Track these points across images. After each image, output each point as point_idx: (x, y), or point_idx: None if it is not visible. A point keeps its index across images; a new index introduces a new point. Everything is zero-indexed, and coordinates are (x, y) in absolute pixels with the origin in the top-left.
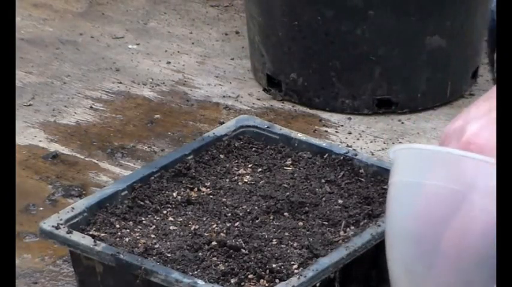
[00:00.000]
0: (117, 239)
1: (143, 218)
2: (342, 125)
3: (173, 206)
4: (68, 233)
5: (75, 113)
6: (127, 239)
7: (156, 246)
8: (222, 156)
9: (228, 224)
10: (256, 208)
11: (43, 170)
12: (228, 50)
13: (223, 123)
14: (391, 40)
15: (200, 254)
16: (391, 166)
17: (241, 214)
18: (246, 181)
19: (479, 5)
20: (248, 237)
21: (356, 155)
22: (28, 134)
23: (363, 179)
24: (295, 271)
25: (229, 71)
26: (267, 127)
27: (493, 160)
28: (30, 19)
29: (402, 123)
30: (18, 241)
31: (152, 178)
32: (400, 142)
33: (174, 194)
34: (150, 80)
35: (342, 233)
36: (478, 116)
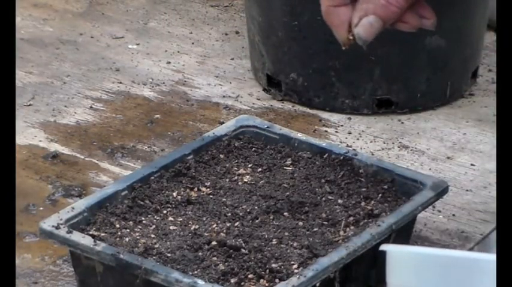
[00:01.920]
0: (117, 239)
1: (143, 218)
2: (341, 125)
3: (173, 206)
4: (68, 233)
5: (75, 113)
6: (127, 239)
7: (156, 246)
8: (222, 156)
9: (228, 224)
10: (256, 207)
11: (43, 170)
12: (228, 50)
13: (223, 123)
14: (391, 40)
15: (200, 254)
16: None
17: (241, 214)
18: (246, 180)
19: (479, 5)
20: (248, 237)
21: (356, 155)
22: (28, 134)
23: (362, 179)
24: (295, 270)
25: (229, 71)
26: (267, 127)
27: (492, 257)
28: (30, 19)
29: (402, 123)
30: (18, 241)
31: (152, 177)
32: (400, 142)
33: (174, 194)
34: (150, 80)
35: (341, 233)
36: None
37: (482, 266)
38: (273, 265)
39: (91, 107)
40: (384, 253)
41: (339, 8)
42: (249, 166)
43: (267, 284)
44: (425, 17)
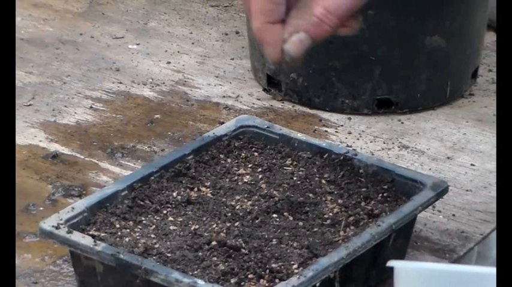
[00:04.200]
0: (117, 239)
1: (143, 218)
2: (342, 125)
3: (173, 206)
4: (68, 233)
5: (75, 113)
6: (127, 239)
7: (156, 246)
8: (222, 156)
9: (228, 224)
10: (256, 207)
11: (43, 170)
12: (228, 50)
13: (223, 123)
14: (391, 40)
15: (200, 254)
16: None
17: (241, 214)
18: (246, 180)
19: (479, 5)
20: (248, 237)
21: (356, 155)
22: (28, 134)
23: (362, 179)
24: (295, 270)
25: (229, 71)
26: (267, 127)
27: (493, 270)
28: (30, 19)
29: (402, 123)
30: (18, 241)
31: (152, 177)
32: (400, 142)
33: (174, 194)
34: (150, 80)
35: (342, 233)
36: None
37: (492, 282)
38: (273, 265)
39: (91, 107)
40: (391, 269)
41: (274, 25)
42: (249, 166)
43: (267, 284)
44: (347, 26)
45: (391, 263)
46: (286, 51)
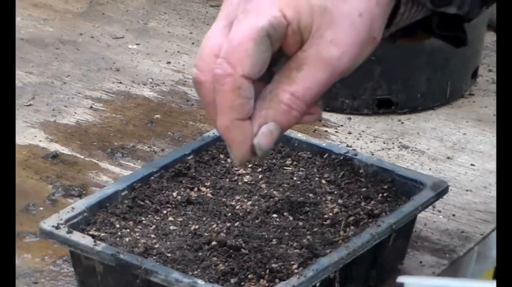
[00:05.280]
0: (117, 239)
1: (143, 218)
2: (341, 125)
3: (173, 206)
4: (68, 233)
5: (75, 113)
6: (127, 239)
7: (156, 246)
8: (222, 156)
9: (228, 224)
10: (256, 207)
11: (43, 170)
12: None
13: None
14: None
15: (200, 254)
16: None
17: (241, 214)
18: (246, 180)
19: None
20: (248, 237)
21: (356, 155)
22: (28, 134)
23: (362, 179)
24: (295, 270)
25: None
26: None
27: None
28: (30, 19)
29: (402, 123)
30: (18, 241)
31: (152, 177)
32: (400, 142)
33: (174, 194)
34: (150, 80)
35: (342, 233)
36: None
37: None
38: (273, 265)
39: (91, 107)
40: (401, 285)
41: (245, 122)
42: (249, 166)
43: (267, 284)
44: (311, 113)
45: (401, 279)
46: (258, 145)
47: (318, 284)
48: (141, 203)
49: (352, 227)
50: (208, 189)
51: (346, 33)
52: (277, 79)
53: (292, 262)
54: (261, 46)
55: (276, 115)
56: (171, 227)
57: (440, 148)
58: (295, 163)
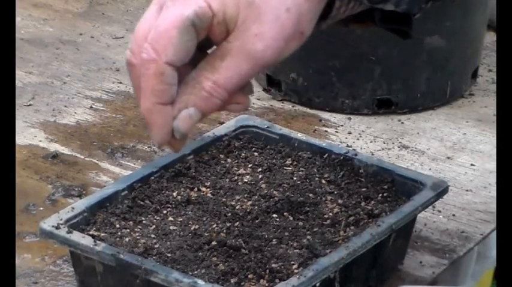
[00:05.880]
0: (117, 239)
1: (143, 218)
2: (342, 125)
3: (173, 206)
4: (68, 233)
5: (75, 113)
6: (127, 239)
7: (156, 246)
8: (222, 156)
9: (228, 224)
10: (256, 207)
11: (43, 170)
12: None
13: (223, 123)
14: (391, 40)
15: (200, 254)
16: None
17: (241, 214)
18: (246, 180)
19: (479, 5)
20: (248, 237)
21: (356, 155)
22: (28, 134)
23: (362, 179)
24: (295, 270)
25: None
26: (267, 127)
27: None
28: (30, 19)
29: (402, 123)
30: (18, 241)
31: (152, 178)
32: (400, 142)
33: (174, 194)
34: None
35: (342, 233)
36: None
37: None
38: (273, 265)
39: (91, 107)
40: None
41: (166, 106)
42: (249, 166)
43: (267, 284)
44: (238, 103)
45: None
46: (176, 127)
47: (318, 284)
48: (141, 203)
49: (352, 227)
50: (208, 189)
51: (272, 27)
52: (202, 66)
53: (292, 262)
54: (185, 35)
55: (196, 101)
56: (171, 227)
57: (440, 148)
58: (295, 163)
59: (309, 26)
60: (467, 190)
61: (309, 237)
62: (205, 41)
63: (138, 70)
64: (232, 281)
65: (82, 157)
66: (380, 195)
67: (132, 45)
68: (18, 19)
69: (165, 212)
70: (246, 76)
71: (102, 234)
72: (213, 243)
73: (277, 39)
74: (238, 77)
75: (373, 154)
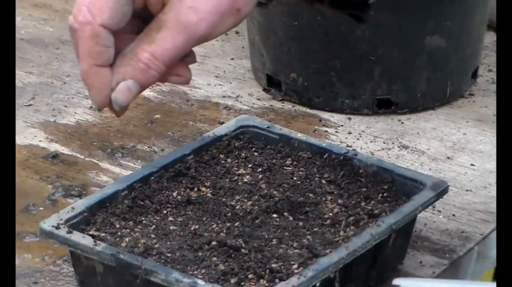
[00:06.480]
0: (117, 239)
1: (143, 218)
2: (342, 125)
3: (173, 206)
4: (68, 233)
5: (75, 113)
6: (127, 239)
7: (156, 246)
8: (222, 156)
9: (228, 224)
10: (256, 207)
11: (43, 170)
12: (228, 50)
13: (223, 123)
14: (391, 40)
15: (200, 254)
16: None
17: (241, 214)
18: (246, 180)
19: (479, 5)
20: (248, 237)
21: (356, 155)
22: (28, 134)
23: (362, 179)
24: (295, 270)
25: (229, 71)
26: (267, 127)
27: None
28: (30, 19)
29: (402, 123)
30: (18, 241)
31: (152, 177)
32: (400, 142)
33: (174, 194)
34: None
35: (342, 233)
36: None
37: None
38: (273, 265)
39: (91, 107)
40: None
41: (102, 69)
42: (249, 166)
43: (267, 284)
44: (180, 75)
45: (396, 281)
46: (115, 99)
47: (318, 284)
48: (141, 203)
49: (352, 227)
50: (208, 189)
51: (207, 1)
52: (139, 38)
53: (292, 262)
54: None
55: (134, 73)
56: (171, 227)
57: (440, 147)
58: (295, 163)
59: (247, 4)
60: (467, 190)
61: (309, 237)
62: (148, 12)
63: (78, 34)
64: (232, 281)
65: (82, 157)
66: (380, 195)
67: (74, 10)
68: (18, 19)
69: (165, 212)
70: (182, 48)
71: (102, 234)
72: (213, 243)
73: (212, 13)
74: (174, 49)
75: (373, 154)
